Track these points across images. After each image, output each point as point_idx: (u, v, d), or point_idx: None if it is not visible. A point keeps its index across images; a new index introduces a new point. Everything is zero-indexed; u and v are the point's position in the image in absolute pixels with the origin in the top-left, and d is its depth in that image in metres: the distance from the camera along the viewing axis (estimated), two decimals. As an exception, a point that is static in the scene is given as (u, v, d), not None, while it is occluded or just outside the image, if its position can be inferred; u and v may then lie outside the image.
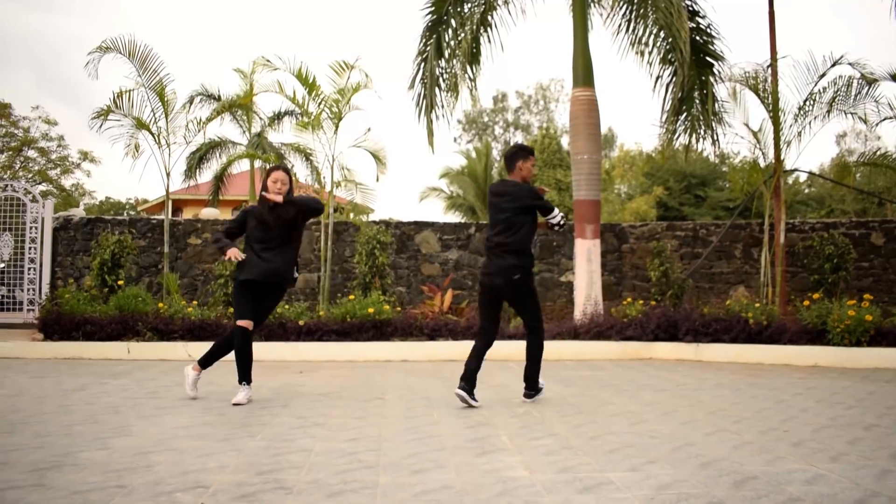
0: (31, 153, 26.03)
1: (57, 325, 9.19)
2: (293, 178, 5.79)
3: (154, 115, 10.67)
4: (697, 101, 10.97)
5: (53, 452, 3.96)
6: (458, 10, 11.16)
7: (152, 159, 10.67)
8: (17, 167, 25.65)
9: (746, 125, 11.35)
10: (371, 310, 9.28)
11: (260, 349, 8.81)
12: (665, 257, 11.54)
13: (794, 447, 4.14)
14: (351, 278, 12.30)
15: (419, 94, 11.27)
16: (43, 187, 25.74)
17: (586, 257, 10.29)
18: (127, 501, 3.13)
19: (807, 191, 32.94)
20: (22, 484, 3.37)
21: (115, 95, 10.25)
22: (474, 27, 11.01)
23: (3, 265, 12.30)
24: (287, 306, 9.63)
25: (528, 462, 3.80)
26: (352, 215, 13.80)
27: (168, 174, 10.96)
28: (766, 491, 3.27)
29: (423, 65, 11.20)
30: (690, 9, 10.59)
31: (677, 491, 3.28)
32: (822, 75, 10.69)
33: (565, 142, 28.11)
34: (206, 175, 20.50)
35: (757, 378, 7.27)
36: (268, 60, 11.14)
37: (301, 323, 9.21)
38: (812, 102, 10.81)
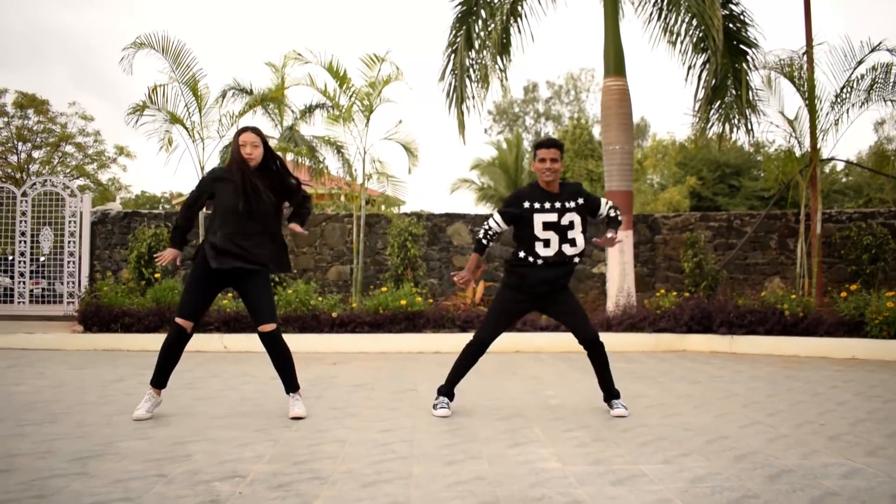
0: (69, 148, 26.49)
1: (96, 318, 9.38)
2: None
3: (188, 109, 10.80)
4: (731, 90, 10.82)
5: (95, 442, 4.05)
6: (488, 0, 11.12)
7: (186, 153, 10.78)
8: (56, 162, 26.12)
9: (781, 113, 11.18)
10: (403, 301, 9.34)
11: (293, 341, 8.87)
12: (699, 248, 11.42)
13: (831, 441, 4.09)
14: (383, 270, 12.37)
15: (450, 86, 11.28)
16: (80, 182, 26.20)
17: (619, 249, 10.23)
18: (167, 490, 3.20)
19: (844, 180, 32.35)
20: (65, 472, 3.46)
21: (150, 91, 10.40)
22: (504, 17, 10.97)
23: (43, 259, 12.56)
24: (321, 298, 9.73)
25: (561, 454, 3.81)
26: (383, 207, 13.86)
27: (202, 168, 11.10)
28: (802, 485, 3.25)
29: (453, 56, 11.20)
30: (723, -5, 10.45)
31: (711, 484, 3.27)
32: (860, 62, 10.47)
33: (597, 132, 27.92)
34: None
35: (793, 370, 7.19)
36: (299, 54, 11.22)
37: (334, 315, 9.29)
38: (849, 90, 10.60)
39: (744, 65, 10.60)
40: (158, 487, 3.23)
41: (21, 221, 12.16)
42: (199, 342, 8.88)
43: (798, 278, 10.83)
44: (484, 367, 4.68)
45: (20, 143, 25.40)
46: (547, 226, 4.72)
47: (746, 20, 10.59)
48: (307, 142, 19.98)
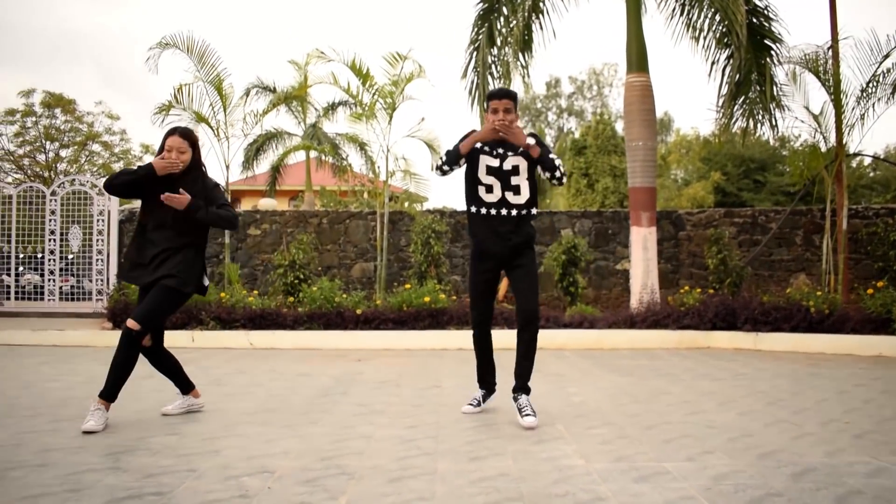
0: (96, 147, 26.82)
1: (124, 315, 9.51)
2: (197, 147, 4.49)
3: (213, 108, 10.92)
4: (755, 85, 10.75)
5: (127, 437, 4.14)
6: (511, -3, 11.14)
7: (211, 151, 10.91)
8: (83, 161, 26.47)
9: (807, 108, 11.08)
10: (427, 298, 9.39)
11: (319, 337, 9.03)
12: (723, 245, 11.37)
13: (856, 439, 4.09)
14: (407, 267, 12.43)
15: (472, 83, 11.31)
16: (107, 180, 26.49)
17: (642, 245, 10.22)
18: (197, 485, 3.27)
19: (871, 175, 31.94)
20: (99, 467, 3.55)
21: (176, 90, 10.53)
22: (526, 14, 10.97)
23: (71, 256, 12.78)
24: (345, 295, 9.81)
25: (584, 451, 3.84)
26: (406, 204, 13.93)
27: (227, 166, 11.23)
28: (826, 483, 3.25)
29: (475, 54, 11.23)
30: (747, -10, 10.39)
31: (734, 481, 3.28)
32: (886, 56, 10.36)
33: (620, 127, 27.78)
34: (263, 166, 20.90)
35: (818, 368, 7.16)
36: (322, 52, 11.30)
37: (358, 311, 9.37)
38: (875, 84, 10.49)
39: (768, 60, 10.53)
40: (189, 482, 3.30)
41: (50, 220, 12.38)
42: (226, 339, 9.00)
43: (824, 275, 10.75)
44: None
45: (48, 143, 25.76)
46: (490, 170, 4.51)
47: (770, 15, 10.52)
48: (330, 139, 20.18)
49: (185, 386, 4.87)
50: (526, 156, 4.51)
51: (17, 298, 12.75)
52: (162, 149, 4.39)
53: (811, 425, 4.45)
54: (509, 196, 4.52)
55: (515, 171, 4.51)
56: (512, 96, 4.53)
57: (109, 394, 4.38)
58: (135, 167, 4.45)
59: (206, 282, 4.68)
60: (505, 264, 4.65)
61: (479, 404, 4.89)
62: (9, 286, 12.72)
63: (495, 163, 4.50)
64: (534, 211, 4.62)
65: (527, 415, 4.42)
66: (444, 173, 4.60)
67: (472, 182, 4.56)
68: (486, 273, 4.68)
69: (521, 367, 4.58)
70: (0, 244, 12.68)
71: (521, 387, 4.58)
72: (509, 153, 4.52)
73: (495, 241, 4.54)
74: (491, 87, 11.12)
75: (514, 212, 4.53)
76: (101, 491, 3.18)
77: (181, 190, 4.35)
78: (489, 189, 4.50)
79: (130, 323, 4.38)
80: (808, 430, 4.33)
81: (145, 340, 4.55)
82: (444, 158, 4.55)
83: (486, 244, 4.57)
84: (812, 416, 4.76)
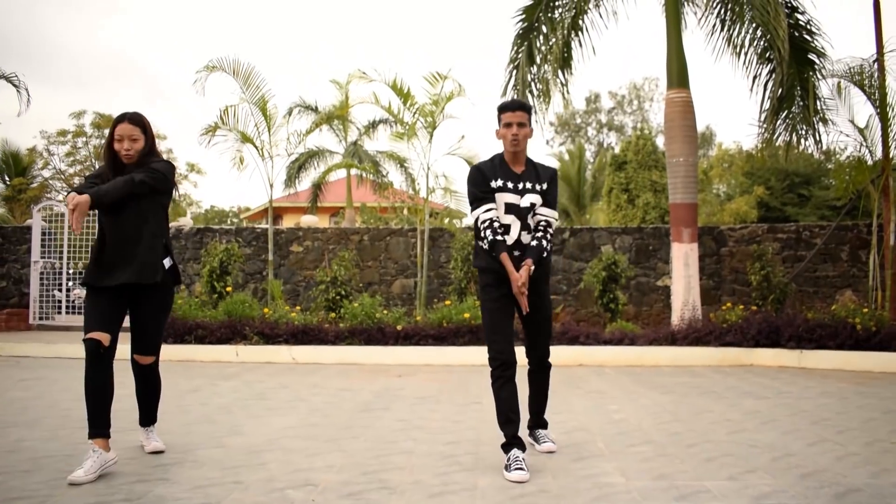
0: (143, 166, 27.49)
1: (171, 329, 9.73)
2: (150, 131, 4.05)
3: (257, 128, 11.16)
4: (798, 100, 10.65)
5: (175, 449, 4.26)
6: (549, 16, 11.20)
7: (256, 171, 11.16)
8: (131, 179, 27.13)
9: (852, 122, 10.93)
10: (467, 315, 9.44)
11: (360, 353, 9.13)
12: (766, 261, 11.22)
13: (902, 459, 4.03)
14: (447, 284, 12.50)
15: (512, 101, 11.36)
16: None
17: (683, 262, 10.15)
18: (243, 497, 3.36)
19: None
20: (149, 477, 3.67)
21: (222, 112, 10.80)
22: (565, 32, 11.03)
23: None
24: (385, 311, 9.92)
25: (624, 468, 3.85)
26: (446, 221, 14.01)
27: (271, 185, 11.44)
28: None
29: (514, 72, 11.30)
30: (789, 5, 10.31)
31: (776, 501, 3.27)
32: (934, 67, 10.20)
33: (660, 142, 27.60)
34: (305, 183, 21.22)
35: (864, 387, 7.03)
36: (363, 73, 11.48)
37: (399, 327, 9.46)
38: (924, 96, 10.32)
39: (811, 74, 10.43)
40: (236, 494, 3.39)
41: (100, 237, 12.70)
42: (269, 354, 9.15)
43: (870, 291, 10.55)
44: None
45: (98, 162, 26.48)
46: (508, 208, 4.06)
47: (813, 29, 10.42)
48: (371, 157, 20.41)
49: (105, 423, 3.89)
50: (541, 193, 4.13)
51: (67, 313, 13.12)
52: (112, 138, 3.95)
53: (856, 445, 4.40)
54: (524, 236, 4.09)
55: (532, 208, 4.11)
56: (526, 108, 4.15)
57: (154, 417, 4.29)
58: (84, 183, 3.87)
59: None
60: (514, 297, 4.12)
61: (524, 464, 3.81)
62: (60, 301, 13.08)
63: (515, 199, 4.07)
64: (545, 253, 4.13)
65: (545, 441, 4.29)
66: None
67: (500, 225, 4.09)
68: (503, 296, 4.10)
69: (538, 403, 4.39)
70: (52, 260, 13.05)
71: (539, 422, 4.42)
72: (528, 187, 4.11)
73: (503, 280, 4.06)
74: (532, 104, 11.19)
75: (525, 251, 4.09)
76: (152, 500, 3.30)
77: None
78: (507, 230, 4.07)
79: (146, 360, 4.21)
80: (853, 450, 4.27)
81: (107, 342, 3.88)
82: (486, 243, 4.02)
83: (496, 281, 4.09)
84: (857, 435, 4.69)
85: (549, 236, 4.12)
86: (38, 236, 12.93)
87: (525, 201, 4.09)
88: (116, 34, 67.63)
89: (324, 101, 20.12)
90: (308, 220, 20.31)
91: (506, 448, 3.85)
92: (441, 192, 11.88)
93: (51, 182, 26.39)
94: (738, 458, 4.06)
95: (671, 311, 10.51)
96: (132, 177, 3.80)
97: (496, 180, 4.08)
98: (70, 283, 13.55)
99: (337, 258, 11.35)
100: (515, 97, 11.23)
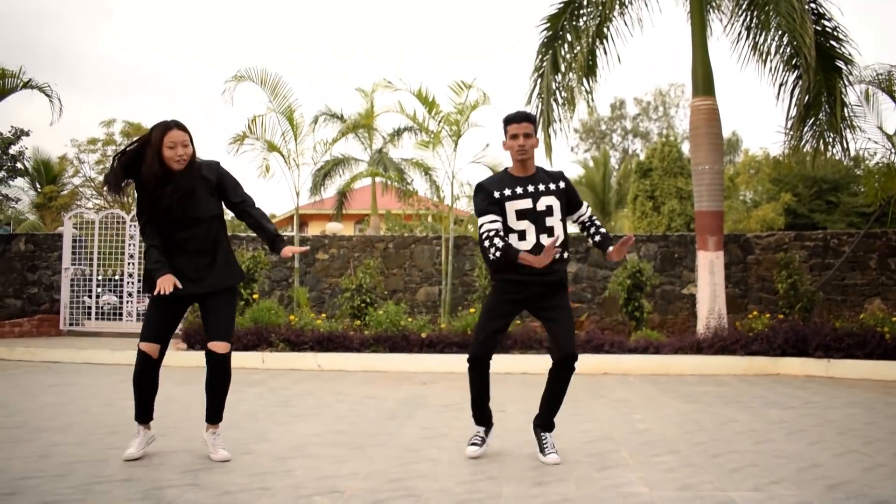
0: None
1: (199, 336, 9.86)
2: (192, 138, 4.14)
3: (284, 138, 11.29)
4: (825, 106, 10.56)
5: (203, 455, 4.33)
6: (574, 24, 11.22)
7: (283, 179, 11.29)
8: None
9: (880, 128, 10.85)
10: (490, 323, 9.45)
11: (384, 360, 9.19)
12: (793, 269, 11.13)
13: (931, 471, 3.99)
14: (471, 291, 12.53)
15: (536, 109, 11.39)
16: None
17: (709, 270, 10.10)
18: (271, 502, 3.41)
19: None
20: (178, 483, 3.73)
21: (250, 121, 10.95)
22: (590, 40, 11.03)
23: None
24: (410, 319, 9.97)
25: (648, 478, 3.85)
26: (470, 228, 14.05)
27: (297, 193, 11.56)
28: (897, 515, 3.20)
29: (539, 80, 11.32)
30: (815, 12, 10.24)
31: (802, 512, 3.26)
32: (963, 74, 10.09)
33: (686, 148, 27.43)
34: (330, 190, 21.36)
35: (893, 396, 6.96)
36: (389, 82, 11.58)
37: (423, 335, 9.50)
38: (952, 102, 10.21)
39: (838, 81, 10.34)
40: (264, 500, 3.45)
41: (130, 244, 12.90)
42: (294, 361, 9.23)
43: (900, 300, 10.43)
44: (572, 389, 4.67)
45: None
46: (521, 214, 4.10)
47: (840, 36, 10.34)
48: (395, 164, 20.50)
49: (149, 413, 4.38)
50: (559, 195, 4.18)
51: (96, 319, 13.33)
52: (160, 144, 3.99)
53: (884, 457, 4.36)
54: (543, 239, 4.09)
55: (549, 211, 4.12)
56: (532, 119, 4.21)
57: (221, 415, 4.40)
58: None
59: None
60: (532, 305, 4.26)
61: (483, 442, 4.42)
62: (90, 307, 13.29)
63: (527, 204, 4.10)
64: (566, 255, 4.24)
65: (550, 453, 4.22)
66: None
67: (504, 230, 4.14)
68: (511, 303, 4.25)
69: (551, 404, 4.32)
70: (82, 267, 13.28)
71: (547, 424, 4.36)
72: (541, 189, 4.16)
73: (533, 286, 4.15)
74: (555, 114, 11.21)
75: (552, 263, 4.07)
76: (182, 507, 3.36)
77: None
78: (522, 236, 4.10)
79: (221, 347, 4.22)
80: (880, 461, 4.24)
81: (156, 354, 4.23)
82: (492, 254, 4.01)
83: (514, 287, 4.18)
84: (885, 447, 4.65)
85: (598, 223, 4.36)
86: (69, 243, 13.17)
87: (541, 204, 4.13)
88: (143, 44, 68.61)
89: (349, 110, 20.29)
90: (333, 227, 20.46)
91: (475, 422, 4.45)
92: (466, 200, 11.92)
93: (81, 189, 26.80)
94: (763, 469, 4.04)
95: (696, 320, 10.46)
96: (259, 209, 4.30)
97: (502, 191, 4.14)
98: (99, 290, 13.77)
99: (362, 266, 11.43)
100: (540, 106, 11.26)
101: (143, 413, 4.34)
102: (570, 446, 4.65)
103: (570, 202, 4.27)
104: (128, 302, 13.00)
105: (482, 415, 4.45)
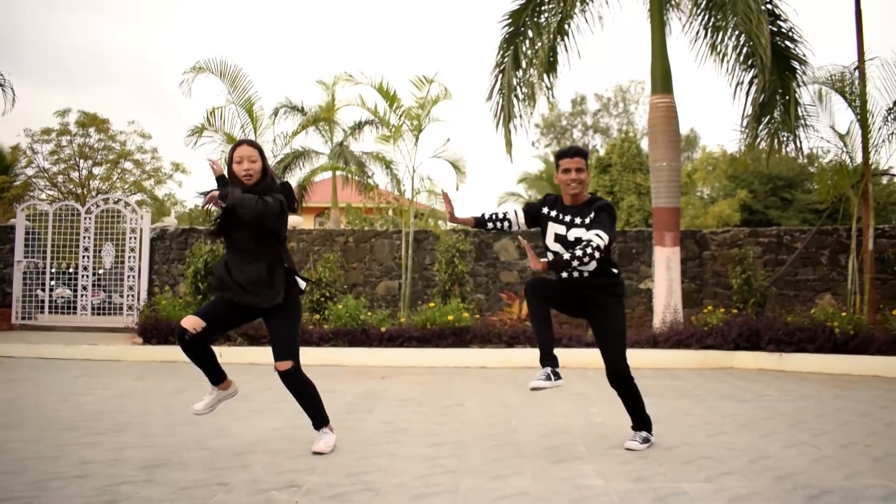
0: (128, 165, 27.33)
1: (155, 330, 9.75)
2: (264, 154, 4.34)
3: (244, 131, 11.17)
4: (780, 106, 10.78)
5: (160, 451, 4.29)
6: (536, 20, 11.28)
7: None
8: (115, 179, 26.98)
9: (833, 128, 11.09)
10: (451, 317, 9.50)
11: (344, 354, 9.18)
12: (747, 264, 11.35)
13: (875, 462, 4.12)
14: (431, 286, 12.55)
15: (497, 105, 11.42)
16: (138, 197, 27.02)
17: (665, 265, 10.25)
18: (228, 498, 3.40)
19: (903, 191, 31.54)
20: (134, 480, 3.70)
21: (209, 114, 10.81)
22: (551, 36, 11.11)
23: (101, 271, 13.07)
24: (370, 313, 9.96)
25: (604, 471, 3.92)
26: (430, 221, 14.07)
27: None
28: (841, 505, 3.31)
29: (500, 76, 11.36)
30: (772, 13, 10.44)
31: (751, 503, 3.35)
32: (914, 76, 10.35)
33: (645, 145, 27.75)
34: (290, 183, 21.17)
35: (842, 390, 7.15)
36: (350, 76, 11.52)
37: (383, 329, 9.51)
38: (903, 104, 10.48)
39: (792, 81, 10.56)
40: (220, 496, 3.43)
41: (84, 237, 12.67)
42: (253, 355, 9.16)
43: (849, 295, 10.70)
44: (528, 382, 4.73)
45: (82, 161, 26.32)
46: (557, 238, 4.38)
47: (795, 37, 10.56)
48: (356, 157, 20.38)
49: (218, 377, 4.52)
50: (587, 225, 4.30)
51: (50, 312, 13.07)
52: (231, 161, 4.25)
53: (831, 448, 4.49)
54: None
55: (578, 242, 4.27)
56: (585, 154, 4.40)
57: (324, 418, 4.45)
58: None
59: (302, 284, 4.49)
60: (580, 303, 4.50)
61: (549, 378, 4.33)
62: (43, 301, 13.02)
63: (562, 230, 4.37)
64: (612, 269, 4.43)
65: (630, 440, 4.48)
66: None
67: (544, 249, 4.49)
68: (546, 295, 4.44)
69: (630, 412, 4.57)
70: (35, 260, 13.00)
71: (635, 425, 4.58)
72: (576, 221, 4.35)
73: (571, 289, 4.45)
74: (516, 109, 11.26)
75: (580, 274, 4.35)
76: (138, 502, 3.33)
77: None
78: (556, 256, 4.30)
79: (281, 365, 4.36)
80: (828, 452, 4.37)
81: (194, 329, 4.22)
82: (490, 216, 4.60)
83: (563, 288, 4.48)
84: (833, 438, 4.79)
85: (579, 252, 4.13)
86: (22, 235, 12.87)
87: (571, 235, 4.33)
88: (102, 33, 67.19)
89: (310, 101, 20.14)
90: (293, 220, 20.30)
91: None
92: (426, 194, 11.94)
93: (34, 181, 26.18)
94: (715, 461, 4.14)
95: (653, 315, 10.62)
96: (262, 198, 4.10)
97: (551, 210, 4.44)
98: (53, 283, 13.49)
99: (322, 260, 11.39)
100: (501, 102, 11.30)
101: (210, 378, 4.47)
102: (526, 440, 4.71)
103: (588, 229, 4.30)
104: (82, 296, 12.77)
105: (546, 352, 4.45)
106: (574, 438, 4.77)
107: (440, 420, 5.41)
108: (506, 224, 4.58)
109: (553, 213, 4.42)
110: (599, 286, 4.40)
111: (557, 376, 4.35)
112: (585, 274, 4.35)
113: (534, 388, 4.29)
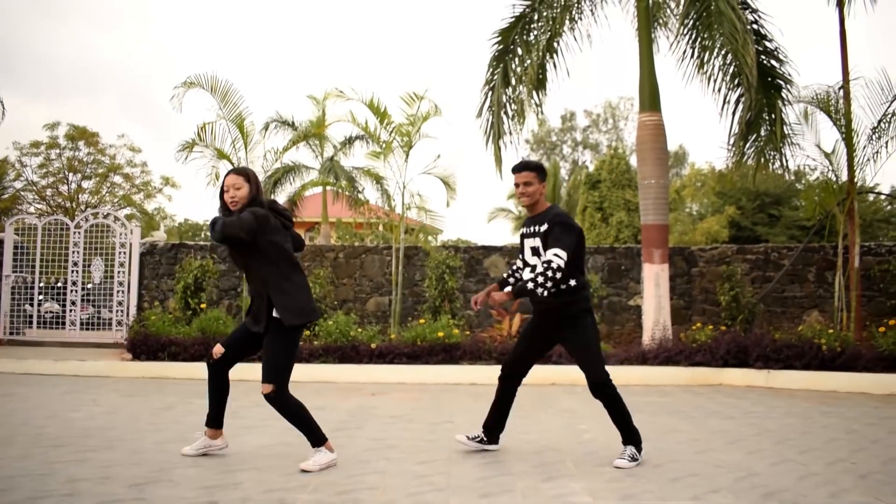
0: (117, 179, 27.31)
1: (144, 346, 9.71)
2: (254, 180, 4.42)
3: (234, 146, 11.18)
4: (766, 124, 10.90)
5: (150, 468, 4.29)
6: (525, 38, 11.38)
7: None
8: (104, 192, 26.94)
9: (818, 146, 11.20)
10: (441, 333, 9.52)
11: (334, 371, 9.17)
12: (735, 281, 11.43)
13: (861, 479, 4.17)
14: (421, 302, 12.57)
15: (487, 122, 11.49)
16: (127, 211, 26.96)
17: (654, 282, 10.32)
18: (219, 517, 3.41)
19: (888, 208, 31.83)
20: (124, 497, 3.69)
21: (199, 129, 10.81)
22: (540, 54, 11.21)
23: (90, 285, 13.01)
24: (360, 329, 9.96)
25: (592, 488, 3.94)
26: (421, 236, 14.10)
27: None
28: (827, 522, 3.34)
29: (490, 94, 11.44)
30: (757, 32, 10.58)
31: (738, 520, 3.38)
32: (896, 96, 10.49)
33: (634, 161, 27.90)
34: (280, 198, 21.16)
35: (829, 406, 7.21)
36: (340, 91, 11.58)
37: (373, 346, 9.51)
38: (887, 123, 10.61)
39: (778, 100, 10.68)
40: (211, 514, 3.44)
41: (73, 251, 12.63)
42: (243, 371, 9.09)
43: (836, 312, 10.78)
44: (519, 399, 4.80)
45: (71, 174, 26.27)
46: (534, 251, 4.55)
47: (781, 56, 10.70)
48: (347, 172, 20.42)
49: (215, 419, 4.63)
50: (541, 237, 4.47)
51: (38, 327, 12.99)
52: (222, 190, 4.38)
53: (817, 465, 4.53)
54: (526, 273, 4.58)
55: (535, 251, 4.55)
56: (532, 167, 4.57)
57: (319, 437, 4.43)
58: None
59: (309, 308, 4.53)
60: (551, 335, 4.70)
61: (476, 439, 4.85)
62: (31, 315, 12.95)
63: (537, 242, 4.54)
64: (569, 283, 4.46)
65: (619, 457, 4.50)
66: None
67: (523, 264, 4.74)
68: (530, 327, 4.78)
69: (616, 424, 4.62)
70: (23, 274, 12.94)
71: (623, 438, 4.62)
72: (532, 230, 4.59)
73: (545, 314, 4.65)
74: (505, 126, 11.33)
75: (542, 291, 4.34)
76: (127, 522, 3.33)
77: None
78: (533, 270, 4.49)
79: (263, 388, 4.37)
80: (814, 469, 4.41)
81: (215, 354, 4.55)
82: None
83: (540, 315, 4.71)
84: (819, 455, 4.83)
85: (539, 278, 4.27)
86: (10, 250, 12.81)
87: (527, 245, 4.63)
88: (94, 46, 67.13)
89: (300, 116, 20.07)
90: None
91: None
92: (416, 210, 11.97)
93: (23, 194, 26.11)
94: (702, 478, 4.17)
95: (642, 331, 10.67)
96: (238, 216, 4.26)
97: (524, 227, 4.69)
98: (41, 297, 13.42)
99: (312, 275, 11.39)
100: (491, 119, 11.38)
101: (209, 417, 4.61)
102: (516, 457, 4.73)
103: (544, 245, 4.46)
104: (70, 310, 12.71)
105: (490, 426, 4.88)
106: (563, 455, 4.79)
107: (430, 437, 5.43)
108: (521, 264, 4.82)
109: (524, 230, 4.68)
110: (569, 314, 4.55)
111: (482, 442, 4.84)
112: (548, 293, 4.37)
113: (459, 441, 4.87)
